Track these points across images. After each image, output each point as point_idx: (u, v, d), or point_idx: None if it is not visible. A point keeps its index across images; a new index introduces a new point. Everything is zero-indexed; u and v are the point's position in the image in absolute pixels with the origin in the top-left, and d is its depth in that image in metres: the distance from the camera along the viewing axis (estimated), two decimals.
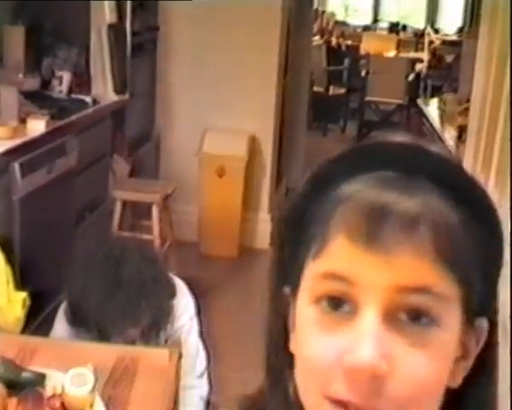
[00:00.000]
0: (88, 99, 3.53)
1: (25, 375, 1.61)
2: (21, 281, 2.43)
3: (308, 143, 6.96)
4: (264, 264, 4.61)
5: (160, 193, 3.85)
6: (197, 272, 4.43)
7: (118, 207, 3.74)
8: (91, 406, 1.51)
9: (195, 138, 4.55)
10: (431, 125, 4.91)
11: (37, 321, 2.66)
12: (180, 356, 1.85)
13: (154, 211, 3.80)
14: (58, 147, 3.08)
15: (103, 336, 1.99)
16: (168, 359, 1.80)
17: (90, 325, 1.93)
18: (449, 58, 7.59)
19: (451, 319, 0.61)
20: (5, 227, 2.55)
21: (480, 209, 0.63)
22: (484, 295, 0.64)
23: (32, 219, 2.85)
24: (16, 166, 2.70)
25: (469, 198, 0.62)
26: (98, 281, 1.91)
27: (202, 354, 2.25)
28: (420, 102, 5.97)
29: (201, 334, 2.27)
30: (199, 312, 2.28)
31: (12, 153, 2.72)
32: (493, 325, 0.65)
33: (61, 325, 2.06)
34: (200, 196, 4.68)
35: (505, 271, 0.69)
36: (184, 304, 2.18)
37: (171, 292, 2.05)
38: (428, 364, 0.59)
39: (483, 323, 0.65)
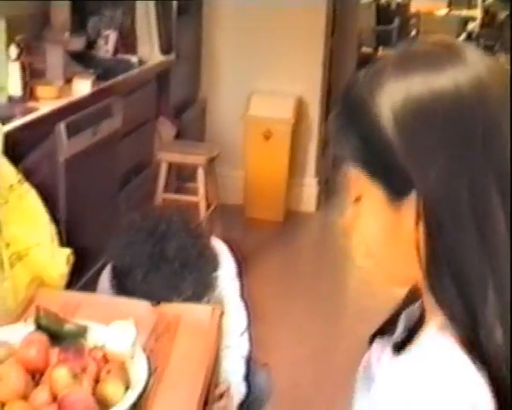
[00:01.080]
0: (134, 59, 3.52)
1: (67, 327, 1.62)
2: (66, 241, 2.45)
3: None
4: (309, 228, 4.65)
5: (205, 155, 3.85)
6: (242, 235, 4.43)
7: (163, 169, 3.75)
8: (132, 358, 1.51)
9: (241, 101, 4.52)
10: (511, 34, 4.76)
11: (80, 282, 2.69)
12: (222, 313, 1.84)
13: (200, 173, 3.80)
14: (103, 108, 3.09)
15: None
16: (210, 316, 1.80)
17: (133, 293, 1.94)
18: (501, 15, 7.36)
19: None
20: (51, 188, 2.57)
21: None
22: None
23: (77, 180, 2.87)
24: (62, 126, 2.72)
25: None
26: (144, 254, 1.92)
27: (243, 315, 2.27)
28: None
29: (243, 295, 2.28)
30: (241, 274, 2.28)
31: (58, 113, 2.73)
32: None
33: (103, 289, 2.08)
34: (246, 160, 4.66)
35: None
36: (226, 268, 2.19)
37: (215, 266, 2.06)
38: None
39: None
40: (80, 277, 2.67)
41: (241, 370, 2.15)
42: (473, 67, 0.81)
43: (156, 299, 1.93)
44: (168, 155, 3.79)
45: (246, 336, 2.25)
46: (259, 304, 2.86)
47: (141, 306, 1.85)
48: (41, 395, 1.36)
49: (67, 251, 2.18)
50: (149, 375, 1.46)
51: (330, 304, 3.93)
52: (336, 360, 3.33)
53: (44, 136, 2.66)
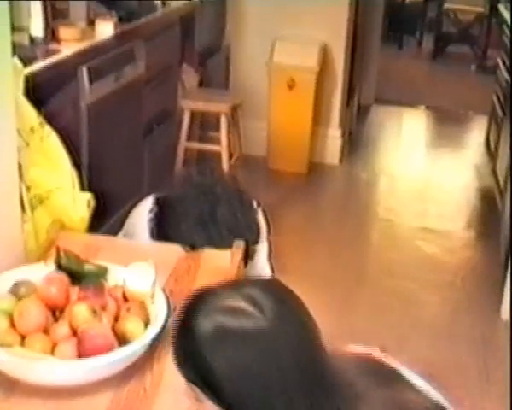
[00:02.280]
0: (157, 1, 3.46)
1: (87, 267, 1.63)
2: (88, 186, 2.46)
3: (382, 56, 6.76)
4: (333, 180, 4.64)
5: (228, 103, 3.82)
6: (265, 187, 4.43)
7: (186, 117, 3.73)
8: (152, 298, 1.52)
9: (266, 49, 4.46)
10: (511, 32, 4.67)
11: (102, 228, 2.70)
12: (244, 258, 1.85)
13: (223, 121, 3.77)
14: (126, 53, 3.06)
15: None
16: (230, 260, 1.80)
17: (169, 240, 1.95)
18: None
19: None
20: (73, 133, 2.56)
21: None
22: None
23: (99, 126, 2.86)
24: (84, 70, 2.70)
25: None
26: (195, 211, 1.94)
27: (268, 274, 2.29)
28: (501, 8, 5.67)
29: (270, 257, 2.30)
30: (269, 233, 2.30)
31: (80, 56, 2.71)
32: None
33: (138, 222, 2.09)
34: (270, 110, 4.62)
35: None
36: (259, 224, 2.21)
37: (258, 238, 2.07)
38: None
39: None
40: (102, 223, 2.68)
41: None
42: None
43: None
44: (191, 103, 3.77)
45: None
46: (282, 254, 2.86)
47: (162, 249, 1.86)
48: (61, 329, 1.37)
49: (88, 195, 2.18)
50: (169, 313, 1.46)
51: (352, 255, 3.93)
52: (357, 310, 3.35)
53: (66, 80, 2.65)
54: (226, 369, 1.06)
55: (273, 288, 1.18)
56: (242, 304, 1.10)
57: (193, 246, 1.87)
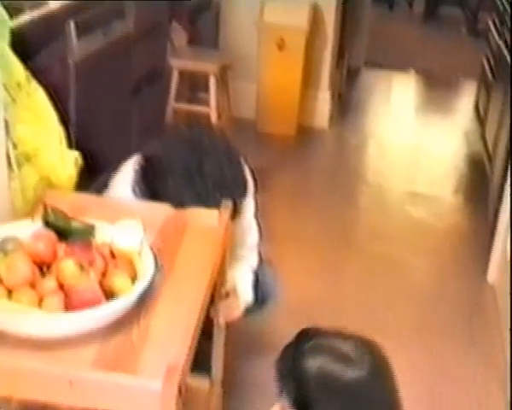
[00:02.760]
0: None
1: (74, 224, 1.62)
2: (76, 145, 2.43)
3: (372, 18, 6.69)
4: (322, 144, 4.61)
5: (217, 63, 3.77)
6: (254, 150, 4.40)
7: (175, 76, 3.68)
8: (140, 255, 1.51)
9: (255, 7, 4.40)
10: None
11: (90, 188, 2.67)
12: (232, 216, 1.84)
13: (212, 82, 3.73)
14: (115, 8, 3.01)
15: None
16: (218, 219, 1.79)
17: (156, 195, 1.93)
18: None
19: None
20: (61, 90, 2.51)
21: None
22: None
23: (88, 84, 2.82)
24: (72, 24, 2.65)
25: None
26: (181, 165, 1.91)
27: (255, 231, 2.31)
28: None
29: (257, 214, 2.29)
30: (256, 192, 2.29)
31: (68, 10, 2.65)
32: None
33: (123, 181, 2.07)
34: (259, 71, 4.58)
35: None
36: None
37: (245, 194, 2.05)
38: None
39: None
40: (90, 183, 2.66)
41: (249, 279, 2.19)
42: (369, 369, 1.21)
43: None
44: (180, 62, 3.72)
45: (256, 251, 2.30)
46: (271, 218, 2.85)
47: (149, 208, 1.84)
48: (48, 283, 1.36)
49: (75, 153, 2.16)
50: (156, 270, 1.46)
51: (341, 220, 3.93)
52: (345, 273, 3.35)
53: (54, 35, 2.60)
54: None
55: (373, 346, 1.28)
56: (347, 349, 1.24)
57: (180, 204, 1.85)
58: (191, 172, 1.88)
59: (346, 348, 1.24)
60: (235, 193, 1.96)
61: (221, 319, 1.95)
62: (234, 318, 2.02)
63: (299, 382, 1.22)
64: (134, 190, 1.98)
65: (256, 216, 2.30)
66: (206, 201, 1.86)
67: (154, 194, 1.91)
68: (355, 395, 1.20)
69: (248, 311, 2.27)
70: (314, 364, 1.22)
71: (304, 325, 3.03)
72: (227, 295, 1.98)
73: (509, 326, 2.81)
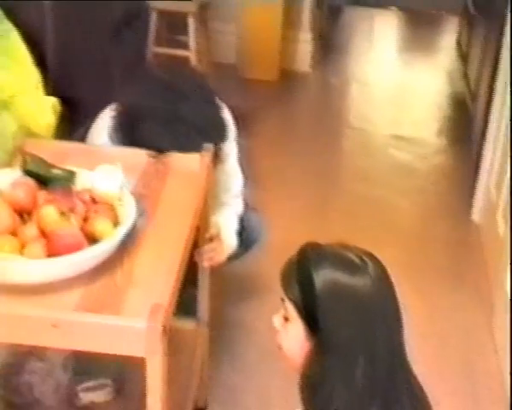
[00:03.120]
0: None
1: (55, 171, 1.60)
2: (55, 92, 2.39)
3: None
4: (304, 88, 4.58)
5: (196, 1, 3.70)
6: (236, 95, 4.36)
7: (154, 19, 3.62)
8: (121, 200, 1.50)
9: None
10: None
11: (72, 138, 2.64)
12: (213, 160, 1.82)
13: (191, 22, 3.67)
14: None
15: None
16: (199, 163, 1.78)
17: (135, 142, 1.89)
18: None
19: None
20: (36, 31, 2.45)
21: None
22: None
23: (65, 26, 2.75)
24: None
25: None
26: (159, 106, 1.86)
27: (239, 177, 2.28)
28: None
29: (240, 159, 2.27)
30: (238, 138, 2.26)
31: None
32: None
33: (100, 130, 2.04)
34: (239, 14, 4.51)
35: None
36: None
37: (226, 136, 2.01)
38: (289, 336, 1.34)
39: None
40: (70, 130, 2.62)
41: (233, 224, 2.19)
42: (373, 275, 1.26)
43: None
44: (158, 3, 3.65)
45: (240, 197, 2.29)
46: (254, 162, 2.85)
47: (130, 154, 1.82)
48: (29, 230, 1.35)
49: (53, 100, 2.12)
50: (137, 214, 1.45)
51: (324, 162, 3.93)
52: (331, 216, 3.36)
53: None
54: (332, 315, 1.23)
55: (374, 256, 1.32)
56: (351, 258, 1.28)
57: (158, 149, 1.83)
58: (168, 116, 1.84)
59: (351, 256, 1.28)
60: (215, 136, 1.93)
61: (205, 263, 1.96)
62: (218, 262, 2.02)
63: (304, 286, 1.25)
64: (111, 137, 1.96)
65: (239, 162, 2.28)
66: (185, 145, 1.82)
67: (132, 140, 1.89)
68: (361, 300, 1.23)
69: (233, 256, 2.28)
70: (320, 270, 1.25)
71: None
72: (211, 239, 1.97)
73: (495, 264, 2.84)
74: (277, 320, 1.32)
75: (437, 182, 3.82)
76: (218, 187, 2.12)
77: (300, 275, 1.27)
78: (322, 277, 1.24)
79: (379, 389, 1.22)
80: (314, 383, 1.24)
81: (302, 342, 1.25)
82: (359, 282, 1.24)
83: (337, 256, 1.29)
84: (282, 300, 1.32)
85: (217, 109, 1.97)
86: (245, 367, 2.36)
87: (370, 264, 1.27)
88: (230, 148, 2.20)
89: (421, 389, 1.32)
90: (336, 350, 1.22)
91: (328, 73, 5.24)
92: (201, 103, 1.89)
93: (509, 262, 2.51)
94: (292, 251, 3.16)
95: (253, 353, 2.42)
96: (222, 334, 2.44)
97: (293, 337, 1.28)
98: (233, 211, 2.23)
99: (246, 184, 2.32)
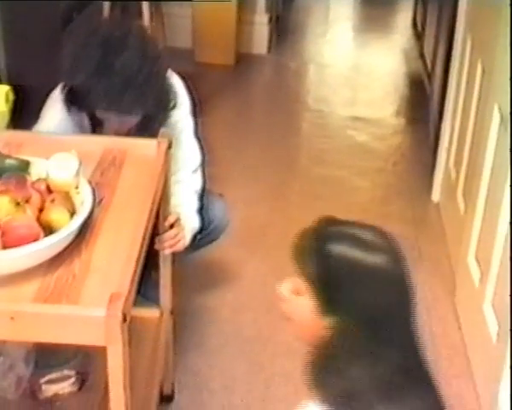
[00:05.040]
0: None
1: (8, 161, 1.56)
2: (7, 80, 2.34)
3: None
4: (261, 71, 4.55)
5: None
6: (192, 80, 4.32)
7: (106, 5, 3.57)
8: (77, 188, 1.47)
9: None
10: None
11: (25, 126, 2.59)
12: (169, 147, 1.80)
13: (145, 7, 3.62)
14: None
15: (97, 125, 1.97)
16: (156, 149, 1.76)
17: (85, 109, 1.91)
18: None
19: None
20: None
21: None
22: None
23: (14, 15, 2.70)
24: None
25: None
26: (92, 60, 1.82)
27: (197, 152, 2.23)
28: None
29: (196, 133, 2.23)
30: (195, 112, 2.22)
31: None
32: None
33: (55, 113, 2.02)
34: None
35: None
36: (182, 103, 2.12)
37: (168, 100, 1.98)
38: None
39: None
40: (24, 121, 2.57)
41: (193, 203, 2.13)
42: (389, 254, 1.25)
43: (108, 117, 1.89)
44: None
45: (199, 172, 2.23)
46: (213, 148, 2.83)
47: (86, 142, 1.80)
48: None
49: (6, 88, 2.08)
50: (94, 202, 1.42)
51: (283, 145, 3.93)
52: (290, 199, 3.36)
53: None
54: (346, 292, 1.20)
55: (389, 234, 1.31)
56: (367, 236, 1.26)
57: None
58: (102, 68, 1.80)
59: (366, 235, 1.27)
60: (161, 89, 1.90)
61: (166, 251, 1.94)
62: (179, 248, 2.00)
63: (319, 261, 1.22)
64: (68, 108, 1.95)
65: (197, 136, 2.23)
66: (118, 99, 1.80)
67: (83, 104, 1.87)
68: (377, 279, 1.22)
69: (198, 246, 2.25)
70: (336, 246, 1.23)
71: (253, 252, 3.06)
72: (171, 226, 1.95)
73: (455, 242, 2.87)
74: (285, 289, 1.28)
75: (396, 162, 3.84)
76: (174, 163, 2.01)
77: (316, 250, 1.23)
78: (338, 253, 1.22)
79: (404, 367, 1.21)
80: (335, 364, 1.19)
81: (314, 316, 1.23)
82: (374, 260, 1.23)
83: (354, 234, 1.27)
84: (294, 273, 1.27)
85: (157, 61, 1.91)
86: (210, 353, 2.35)
87: (386, 244, 1.27)
88: (185, 123, 2.16)
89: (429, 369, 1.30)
90: (359, 330, 1.19)
91: (285, 55, 5.23)
92: (135, 56, 1.83)
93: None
94: (253, 236, 3.17)
95: (218, 338, 2.41)
96: (187, 321, 2.43)
97: (304, 311, 1.24)
98: (192, 189, 2.16)
99: (204, 161, 2.25)
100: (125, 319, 1.12)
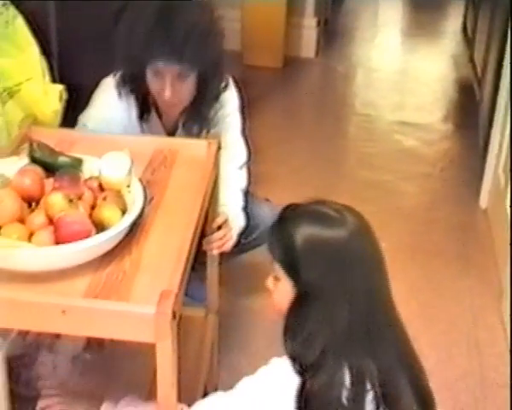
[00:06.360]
0: None
1: (61, 159, 1.59)
2: (59, 77, 2.37)
3: None
4: (309, 74, 4.56)
5: None
6: (240, 83, 4.35)
7: None
8: (128, 187, 1.49)
9: None
10: None
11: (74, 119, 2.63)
12: (219, 147, 1.81)
13: None
14: None
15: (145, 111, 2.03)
16: (206, 149, 1.77)
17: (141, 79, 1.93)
18: None
19: None
20: (40, 18, 2.43)
21: None
22: None
23: (69, 10, 2.72)
24: None
25: None
26: (159, 13, 1.85)
27: (243, 149, 2.23)
28: None
29: (244, 131, 2.24)
30: (243, 109, 2.23)
31: None
32: None
33: (105, 97, 2.06)
34: (244, 0, 4.48)
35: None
36: (229, 95, 2.14)
37: (220, 73, 2.04)
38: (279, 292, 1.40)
39: None
40: (76, 117, 2.61)
41: (239, 201, 2.13)
42: (349, 226, 1.30)
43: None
44: None
45: (244, 170, 2.23)
46: (260, 150, 2.83)
47: (138, 141, 1.82)
48: (37, 218, 1.35)
49: (60, 87, 2.12)
50: (145, 201, 1.44)
51: (330, 149, 3.92)
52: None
53: None
54: (312, 266, 1.29)
55: (352, 209, 1.36)
56: (328, 211, 1.32)
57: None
58: (162, 20, 1.83)
59: (326, 211, 1.33)
60: (210, 48, 1.91)
61: (214, 251, 1.95)
62: (227, 249, 2.01)
63: (285, 244, 1.31)
64: (119, 94, 2.00)
65: (243, 133, 2.22)
66: (180, 48, 1.83)
67: (137, 83, 1.92)
68: (338, 250, 1.29)
69: (240, 244, 2.25)
70: (298, 227, 1.30)
71: None
72: (219, 227, 1.96)
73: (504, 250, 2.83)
74: (270, 281, 1.39)
75: (443, 167, 3.81)
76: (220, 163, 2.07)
77: (281, 235, 1.34)
78: (300, 233, 1.29)
79: (359, 329, 1.27)
80: (295, 327, 1.30)
81: (290, 297, 1.32)
82: (335, 233, 1.29)
83: (313, 212, 1.34)
84: (272, 262, 1.38)
85: (218, 32, 1.97)
86: (253, 353, 2.36)
87: (347, 215, 1.32)
88: (232, 116, 2.17)
89: (405, 333, 1.35)
90: (316, 296, 1.28)
91: (333, 59, 5.22)
92: (199, 14, 1.89)
93: None
94: None
95: (262, 339, 2.42)
96: (232, 322, 2.44)
97: (282, 294, 1.34)
98: (237, 187, 2.16)
99: (250, 159, 2.25)
100: (174, 317, 1.13)
